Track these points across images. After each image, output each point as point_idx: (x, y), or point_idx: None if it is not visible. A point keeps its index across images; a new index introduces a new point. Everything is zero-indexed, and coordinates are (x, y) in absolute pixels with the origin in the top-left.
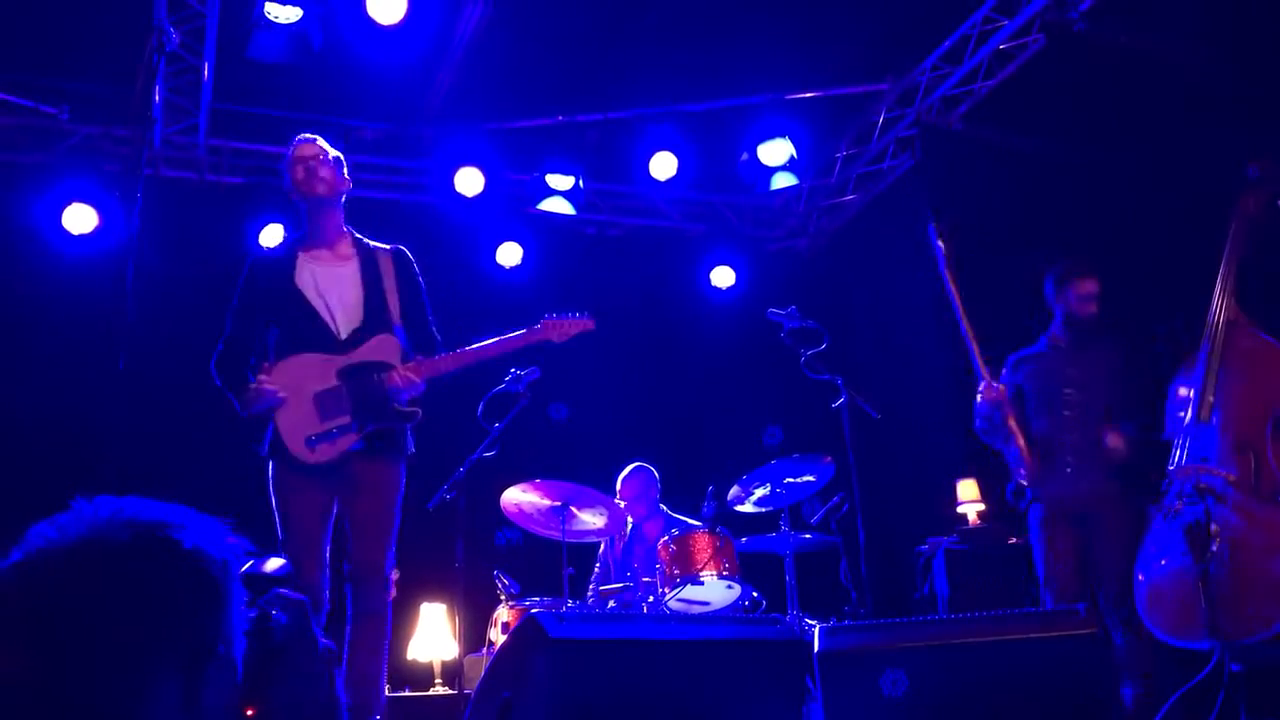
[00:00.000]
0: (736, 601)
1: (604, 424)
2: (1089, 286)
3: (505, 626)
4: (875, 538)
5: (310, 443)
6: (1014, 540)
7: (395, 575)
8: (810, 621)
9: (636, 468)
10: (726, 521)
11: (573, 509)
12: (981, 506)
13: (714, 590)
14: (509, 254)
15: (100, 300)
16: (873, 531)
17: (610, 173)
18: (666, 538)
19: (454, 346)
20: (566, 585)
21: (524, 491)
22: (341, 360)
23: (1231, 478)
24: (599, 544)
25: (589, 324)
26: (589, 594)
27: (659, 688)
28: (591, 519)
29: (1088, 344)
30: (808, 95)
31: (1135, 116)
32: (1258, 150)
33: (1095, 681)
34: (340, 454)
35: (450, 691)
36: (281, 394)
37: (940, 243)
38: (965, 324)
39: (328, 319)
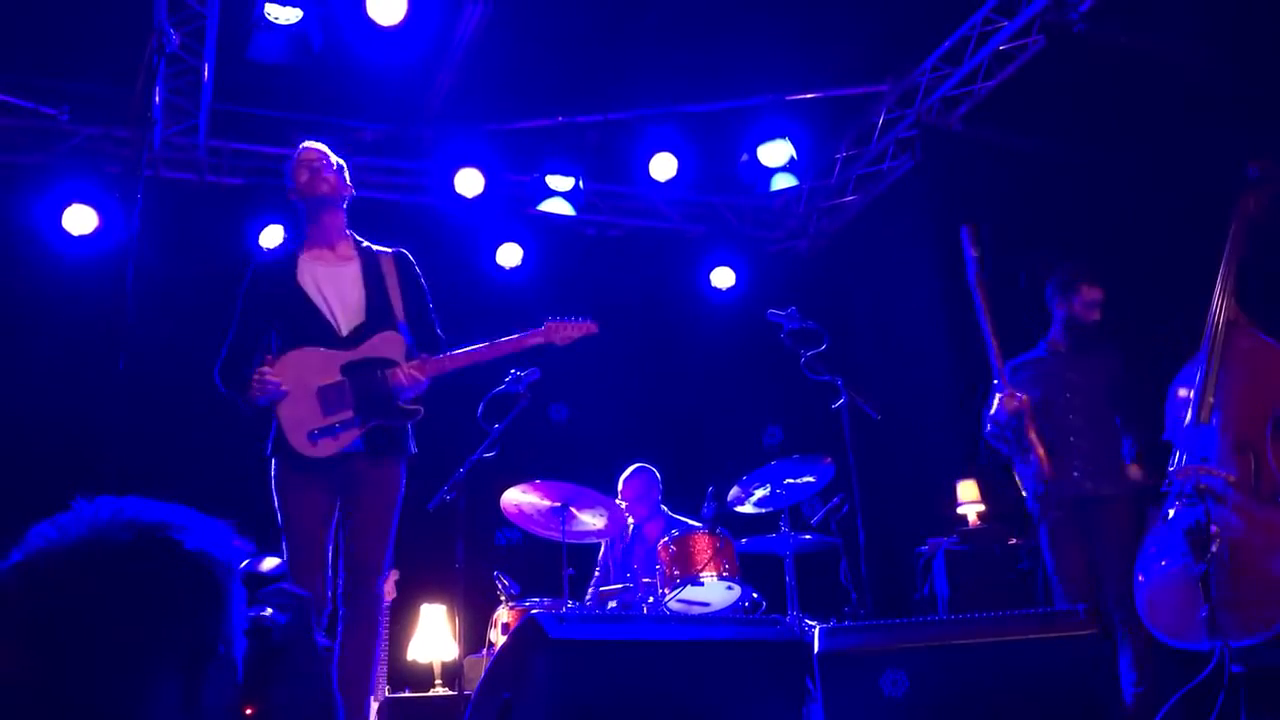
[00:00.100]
0: (736, 602)
1: (604, 425)
2: (1094, 294)
3: (505, 627)
4: (875, 538)
5: (312, 437)
6: (1014, 541)
7: (394, 575)
8: (810, 622)
9: (638, 468)
10: (726, 522)
11: (573, 510)
12: (981, 507)
13: (714, 591)
14: (509, 255)
15: (100, 301)
16: (873, 532)
17: (610, 174)
18: (666, 538)
19: (454, 348)
20: (566, 586)
21: (524, 492)
22: (345, 355)
23: (1231, 479)
24: (599, 545)
25: (592, 328)
26: (587, 595)
27: (659, 689)
28: (591, 520)
29: (1088, 349)
30: (808, 96)
31: (1135, 117)
32: (1258, 150)
33: (1095, 682)
34: (342, 449)
35: (450, 692)
36: (284, 387)
37: (974, 250)
38: (991, 331)
39: (329, 316)
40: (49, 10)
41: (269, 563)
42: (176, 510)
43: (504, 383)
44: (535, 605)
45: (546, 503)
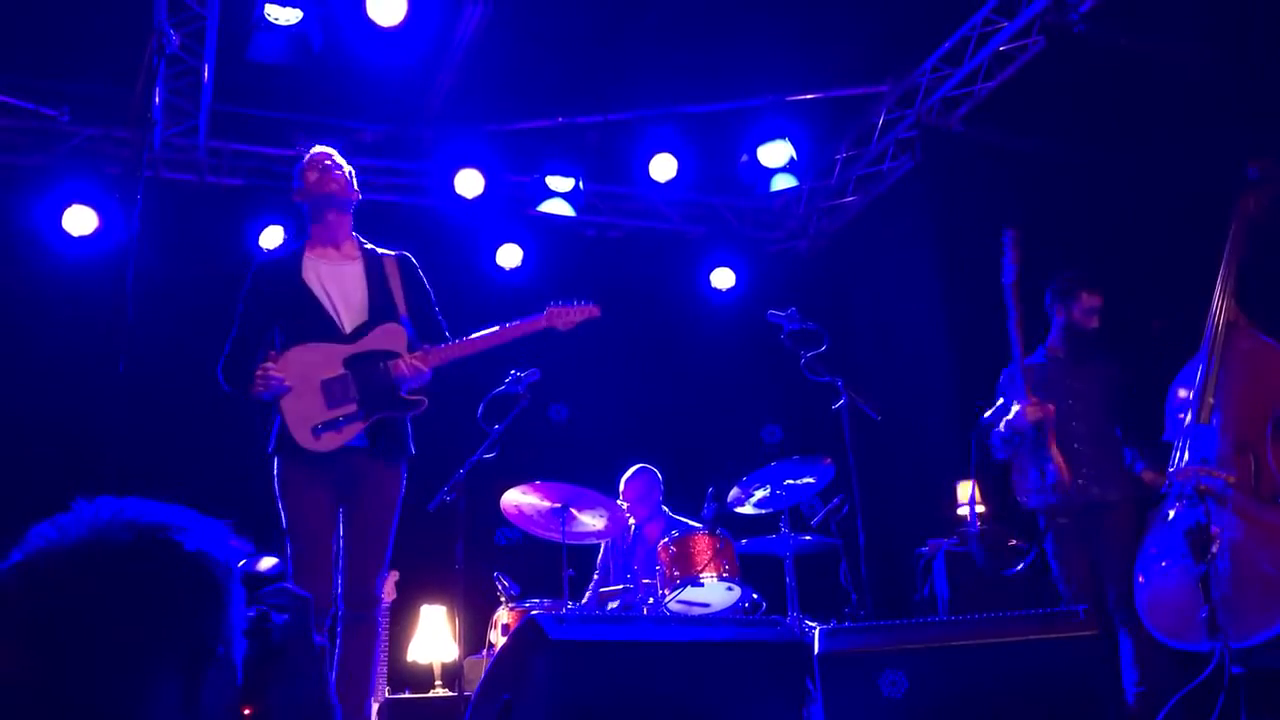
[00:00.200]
0: (737, 603)
1: (604, 425)
2: (1093, 301)
3: (505, 628)
4: (875, 539)
5: (316, 431)
6: (1014, 542)
7: (394, 576)
8: (810, 623)
9: (640, 469)
10: (727, 523)
11: (573, 511)
12: (982, 508)
13: (714, 592)
14: (509, 256)
15: (100, 302)
16: (873, 533)
17: (610, 174)
18: (666, 539)
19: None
20: (566, 587)
21: (524, 493)
22: (347, 349)
23: (1231, 479)
24: (599, 546)
25: (594, 311)
26: (585, 596)
27: (659, 690)
28: (591, 521)
29: (1088, 356)
30: (808, 97)
31: (1135, 117)
32: (1258, 150)
33: (1096, 683)
34: (345, 443)
35: (450, 693)
36: (288, 382)
37: (1015, 255)
38: (1019, 339)
39: (333, 313)
40: (49, 10)
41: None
42: (176, 511)
43: (504, 383)
44: (535, 606)
45: (546, 504)
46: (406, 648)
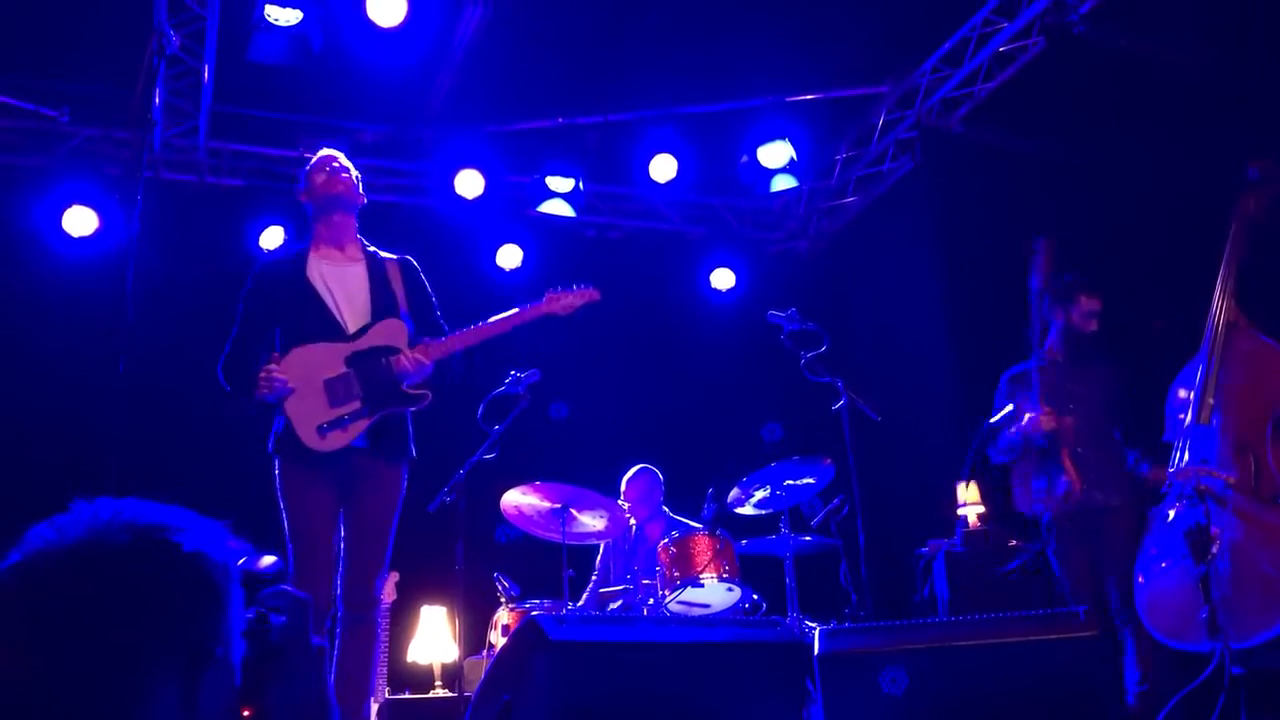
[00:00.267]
0: (737, 604)
1: (604, 426)
2: (1092, 304)
3: (505, 629)
4: (875, 540)
5: (322, 430)
6: (1014, 543)
7: (394, 577)
8: (810, 624)
9: (641, 469)
10: (727, 524)
11: (573, 511)
12: (982, 509)
13: (714, 593)
14: (509, 256)
15: (100, 303)
16: (873, 534)
17: (610, 175)
18: (667, 540)
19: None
20: (567, 587)
21: (524, 494)
22: (348, 348)
23: (1231, 480)
24: (598, 547)
25: (594, 294)
26: (582, 597)
27: (659, 690)
28: (591, 521)
29: (1086, 360)
30: (808, 97)
31: (1135, 118)
32: (1258, 151)
33: (1096, 684)
34: (350, 442)
35: (450, 694)
36: (291, 383)
37: (1045, 259)
38: (1039, 344)
39: (336, 313)
40: (49, 11)
41: (266, 560)
42: (174, 512)
43: (504, 384)
44: (535, 607)
45: (546, 504)
46: (406, 648)
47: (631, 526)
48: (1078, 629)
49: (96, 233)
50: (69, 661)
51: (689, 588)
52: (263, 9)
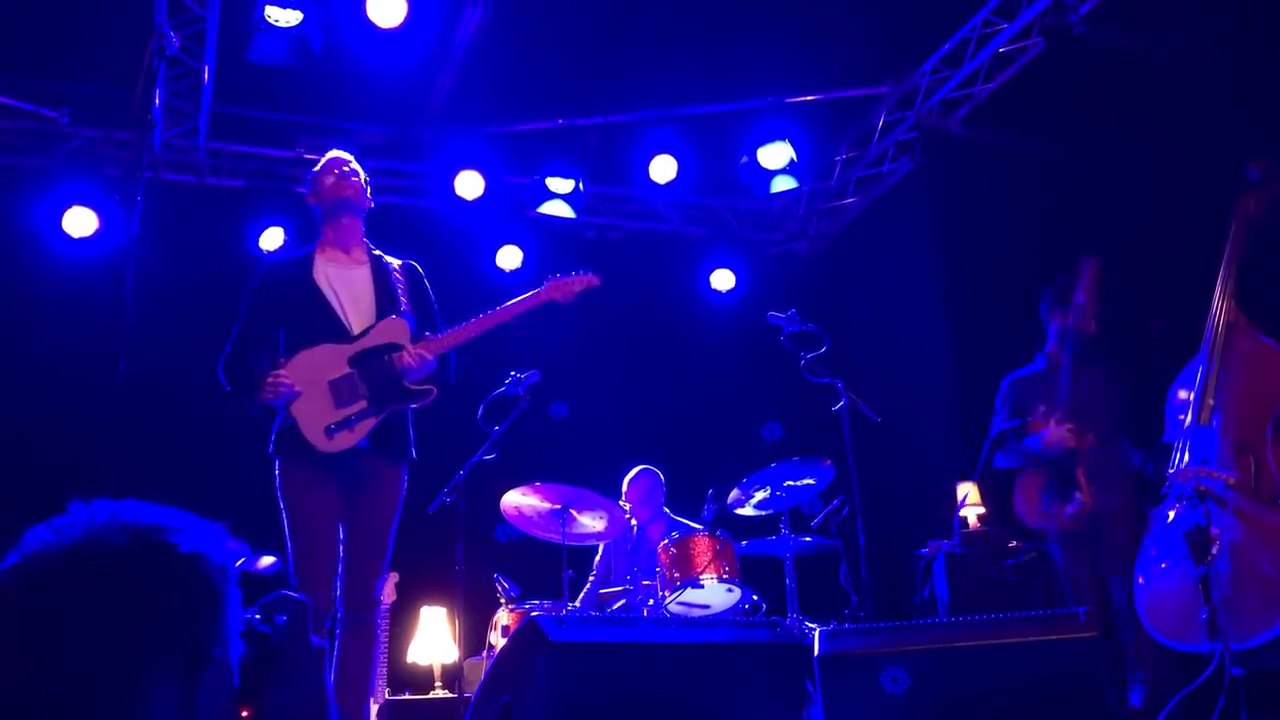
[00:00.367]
0: (737, 605)
1: (604, 427)
2: (1091, 306)
3: (505, 630)
4: (875, 541)
5: (330, 431)
6: (1014, 543)
7: (394, 578)
8: (810, 625)
9: (643, 470)
10: (727, 524)
11: (573, 512)
12: (982, 510)
13: (714, 593)
14: (509, 257)
15: (100, 303)
16: (873, 535)
17: (610, 176)
18: (666, 540)
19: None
20: (566, 588)
21: (524, 494)
22: (351, 348)
23: (1231, 481)
24: (597, 547)
25: (593, 280)
26: (579, 598)
27: (659, 691)
28: (591, 522)
29: (1086, 362)
30: (808, 98)
31: (1135, 119)
32: (1258, 151)
33: (1096, 684)
34: (356, 442)
35: (450, 695)
36: (297, 387)
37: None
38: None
39: (341, 315)
40: (49, 12)
41: (265, 561)
42: (173, 513)
43: (504, 385)
44: (535, 607)
45: (546, 505)
46: (406, 649)
47: (633, 527)
48: (1078, 629)
49: (96, 233)
50: (67, 663)
51: (689, 588)
52: (263, 10)
